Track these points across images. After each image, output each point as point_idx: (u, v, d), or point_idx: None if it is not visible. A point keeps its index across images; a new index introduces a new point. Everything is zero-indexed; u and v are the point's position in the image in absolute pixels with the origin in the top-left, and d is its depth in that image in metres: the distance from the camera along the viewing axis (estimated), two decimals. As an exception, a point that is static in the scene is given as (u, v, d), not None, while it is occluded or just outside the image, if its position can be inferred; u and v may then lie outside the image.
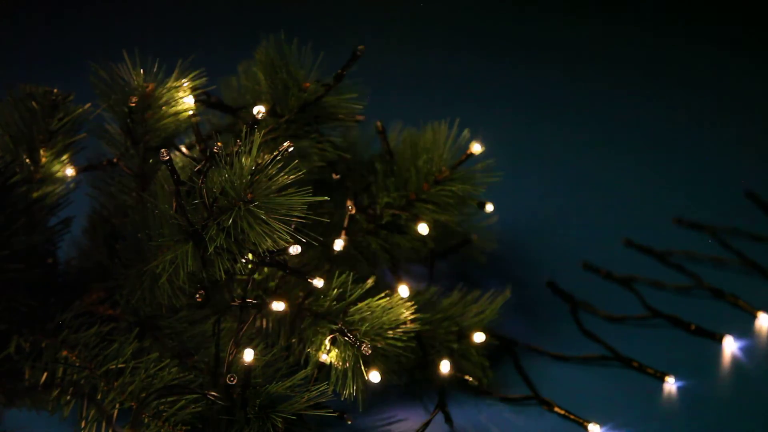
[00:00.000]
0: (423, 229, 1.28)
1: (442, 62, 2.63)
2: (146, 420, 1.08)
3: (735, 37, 2.75)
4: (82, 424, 1.12)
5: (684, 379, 1.32)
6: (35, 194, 1.22)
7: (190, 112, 1.21)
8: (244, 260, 1.06)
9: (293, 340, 1.22)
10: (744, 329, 1.43)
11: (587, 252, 1.64)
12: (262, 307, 1.11)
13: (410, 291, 1.27)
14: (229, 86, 1.33)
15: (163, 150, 1.03)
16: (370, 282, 1.23)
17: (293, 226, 1.02)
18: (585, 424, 1.23)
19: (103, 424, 1.12)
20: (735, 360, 1.38)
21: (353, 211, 1.25)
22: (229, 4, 2.98)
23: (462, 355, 1.30)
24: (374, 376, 1.15)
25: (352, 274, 1.22)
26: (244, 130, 1.02)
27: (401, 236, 1.31)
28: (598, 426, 1.22)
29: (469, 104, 2.28)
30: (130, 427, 1.07)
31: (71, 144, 1.24)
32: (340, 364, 1.15)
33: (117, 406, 1.11)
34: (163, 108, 1.19)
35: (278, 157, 1.02)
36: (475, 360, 1.30)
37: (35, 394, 1.17)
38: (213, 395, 1.07)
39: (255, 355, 1.07)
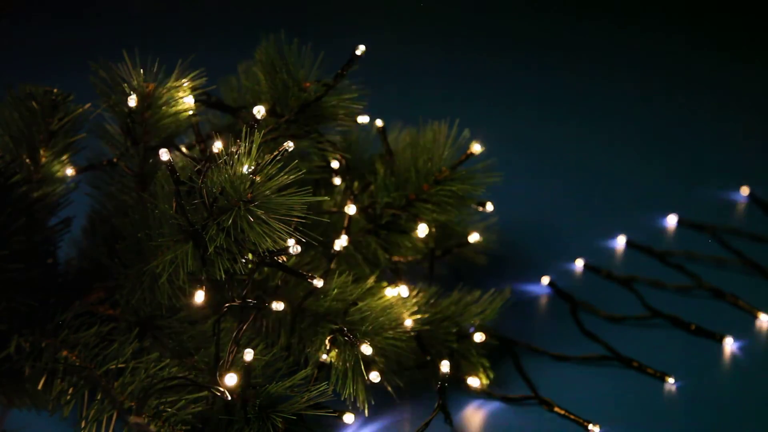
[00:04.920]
0: (423, 229, 1.28)
1: (442, 62, 2.63)
2: (146, 420, 1.08)
3: (736, 37, 2.75)
4: (82, 424, 1.12)
5: (684, 379, 1.32)
6: (35, 194, 1.22)
7: (190, 112, 1.21)
8: (244, 260, 1.06)
9: (293, 340, 1.23)
10: (744, 329, 1.43)
11: (587, 252, 1.64)
12: (262, 307, 1.11)
13: (410, 291, 1.27)
14: (229, 86, 1.33)
15: (163, 150, 1.03)
16: (370, 282, 1.23)
17: (293, 226, 1.02)
18: (585, 424, 1.23)
19: (104, 424, 1.12)
20: (735, 360, 1.38)
21: (353, 211, 1.25)
22: (229, 4, 2.98)
23: (462, 355, 1.30)
24: (374, 376, 1.15)
25: (352, 274, 1.22)
26: (244, 130, 1.02)
27: (401, 236, 1.31)
28: (598, 426, 1.22)
29: (469, 104, 2.28)
30: (135, 414, 1.07)
31: (71, 144, 1.24)
32: (340, 364, 1.15)
33: (119, 404, 1.11)
34: (163, 108, 1.19)
35: (278, 157, 1.02)
36: (475, 360, 1.30)
37: (35, 394, 1.17)
38: (216, 389, 1.07)
39: (255, 355, 1.07)
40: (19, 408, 1.20)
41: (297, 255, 1.06)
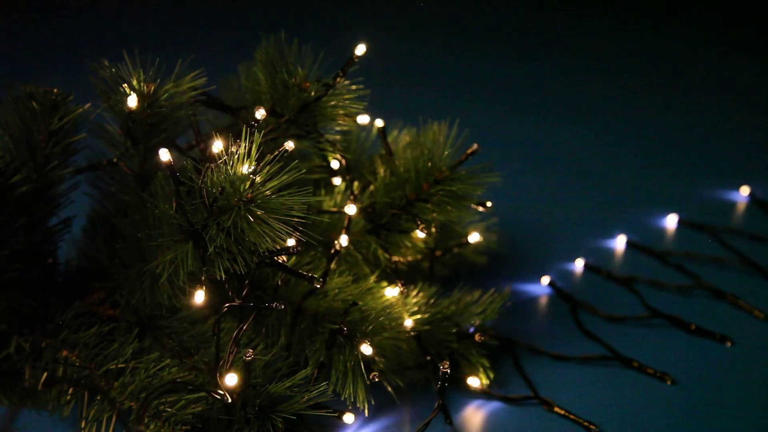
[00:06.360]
0: (423, 229, 1.28)
1: (442, 62, 2.63)
2: (146, 420, 1.08)
3: (736, 36, 2.75)
4: (82, 424, 1.12)
5: (684, 379, 1.32)
6: (35, 194, 1.22)
7: (190, 112, 1.21)
8: (244, 260, 1.06)
9: (293, 340, 1.22)
10: (744, 329, 1.43)
11: (587, 252, 1.64)
12: (262, 307, 1.11)
13: (410, 291, 1.27)
14: (229, 86, 1.33)
15: (163, 150, 1.03)
16: (370, 282, 1.22)
17: (294, 225, 1.02)
18: (585, 424, 1.23)
19: (104, 424, 1.12)
20: (735, 360, 1.37)
21: (353, 212, 1.25)
22: (229, 4, 2.98)
23: (462, 355, 1.30)
24: (374, 376, 1.15)
25: (352, 274, 1.22)
26: (244, 130, 1.02)
27: (401, 236, 1.31)
28: (598, 426, 1.22)
29: (469, 104, 2.28)
30: (135, 423, 1.07)
31: (71, 144, 1.24)
32: (340, 364, 1.15)
33: (118, 405, 1.12)
34: (163, 108, 1.19)
35: (278, 157, 1.02)
36: (475, 360, 1.30)
37: (35, 394, 1.17)
38: (216, 393, 1.07)
39: (255, 355, 1.07)
40: (19, 408, 1.19)
41: (297, 255, 1.06)
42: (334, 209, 1.29)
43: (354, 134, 1.39)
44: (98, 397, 1.12)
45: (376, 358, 1.19)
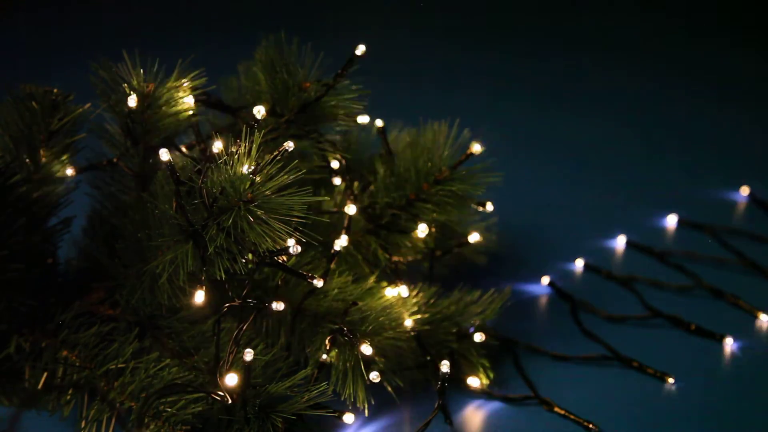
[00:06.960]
0: (423, 229, 1.28)
1: (442, 62, 2.63)
2: (146, 420, 1.08)
3: (737, 35, 2.75)
4: (82, 424, 1.12)
5: (684, 379, 1.32)
6: (35, 194, 1.22)
7: (190, 112, 1.21)
8: (244, 260, 1.06)
9: (293, 340, 1.22)
10: (744, 329, 1.43)
11: (587, 252, 1.64)
12: (262, 307, 1.11)
13: (410, 291, 1.27)
14: (229, 86, 1.33)
15: (163, 150, 1.03)
16: (370, 282, 1.22)
17: (293, 226, 1.02)
18: (585, 424, 1.23)
19: (103, 424, 1.12)
20: (735, 360, 1.38)
21: (353, 211, 1.25)
22: (229, 4, 2.98)
23: (462, 355, 1.30)
24: (374, 376, 1.15)
25: (352, 274, 1.22)
26: (244, 130, 1.02)
27: (401, 236, 1.31)
28: (597, 426, 1.22)
29: (469, 103, 2.28)
30: (135, 426, 1.07)
31: (71, 144, 1.24)
32: (340, 364, 1.15)
33: (118, 405, 1.12)
34: (163, 108, 1.19)
35: (278, 157, 1.02)
36: (475, 360, 1.30)
37: (35, 394, 1.17)
38: (217, 394, 1.07)
39: (255, 355, 1.07)
40: (18, 408, 1.19)
41: (297, 255, 1.06)
42: (334, 209, 1.29)
43: (354, 134, 1.39)
44: (98, 398, 1.12)
45: (376, 358, 1.19)
